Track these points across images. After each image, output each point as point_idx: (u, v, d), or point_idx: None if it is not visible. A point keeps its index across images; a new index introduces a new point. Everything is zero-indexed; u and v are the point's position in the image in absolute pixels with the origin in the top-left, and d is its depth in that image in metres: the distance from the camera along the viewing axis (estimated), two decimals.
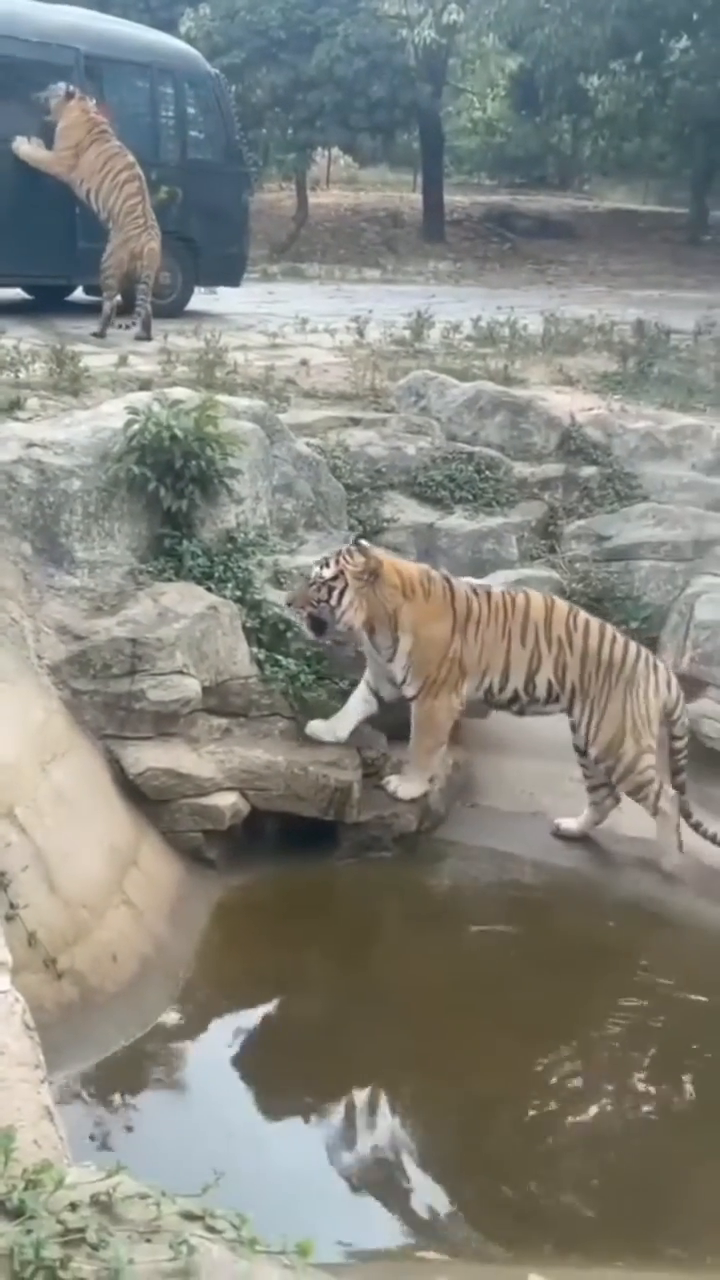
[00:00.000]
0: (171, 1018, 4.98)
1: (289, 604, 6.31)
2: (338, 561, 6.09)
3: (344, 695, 6.38)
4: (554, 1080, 4.82)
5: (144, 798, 5.76)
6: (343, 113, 23.78)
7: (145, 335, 10.61)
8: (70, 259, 11.58)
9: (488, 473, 8.18)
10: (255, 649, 6.37)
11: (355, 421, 8.34)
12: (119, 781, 5.74)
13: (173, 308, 12.24)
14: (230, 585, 6.42)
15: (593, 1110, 4.69)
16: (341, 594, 6.03)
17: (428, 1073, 4.84)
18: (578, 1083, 4.82)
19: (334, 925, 5.75)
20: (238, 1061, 4.87)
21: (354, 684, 6.36)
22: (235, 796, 5.92)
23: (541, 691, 6.29)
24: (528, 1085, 4.77)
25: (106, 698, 5.84)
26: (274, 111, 24.24)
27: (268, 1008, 5.29)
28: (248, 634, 6.37)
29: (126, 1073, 4.61)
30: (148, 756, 5.81)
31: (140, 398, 6.87)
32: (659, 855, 6.29)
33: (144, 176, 10.90)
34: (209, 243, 12.84)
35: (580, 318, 12.57)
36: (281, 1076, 4.77)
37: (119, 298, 10.81)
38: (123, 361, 8.92)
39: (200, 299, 13.37)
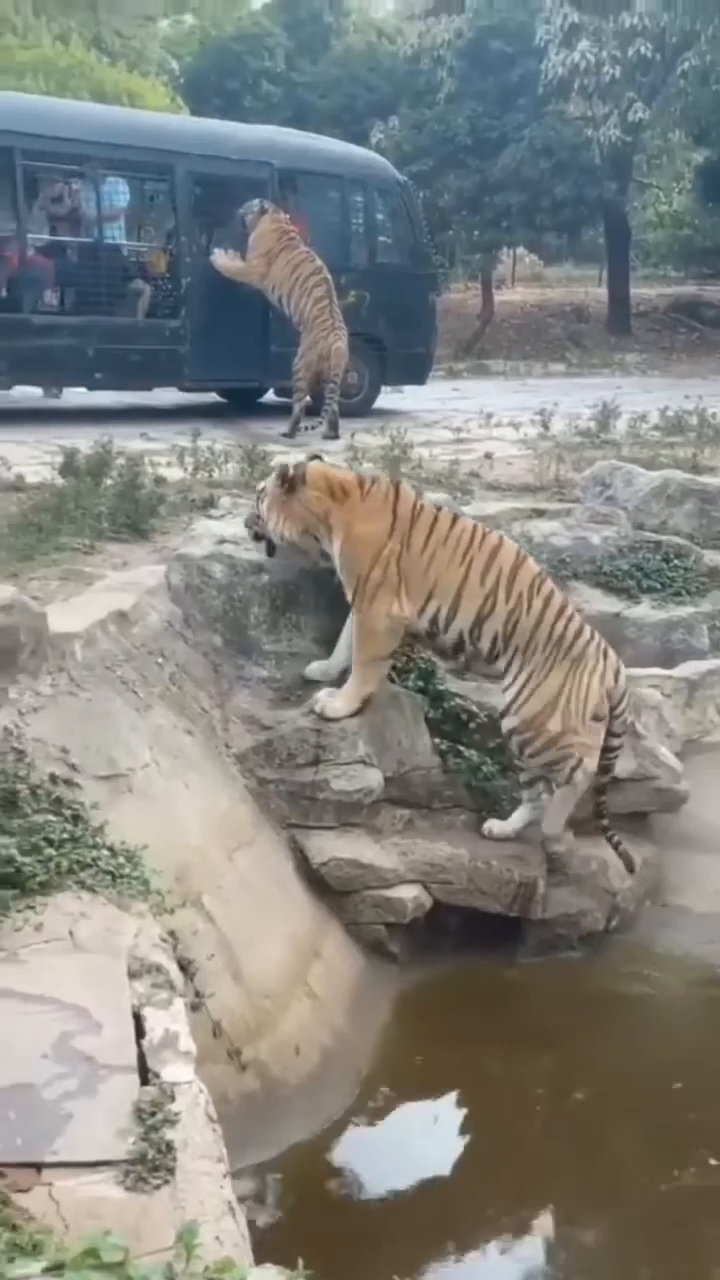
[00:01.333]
0: (353, 1114, 4.91)
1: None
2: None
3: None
4: None
5: (327, 888, 5.76)
6: (529, 213, 24.19)
7: (333, 434, 10.88)
8: (263, 364, 12.06)
9: (676, 561, 8.02)
10: (437, 740, 6.34)
11: (540, 513, 8.31)
12: (302, 871, 5.76)
13: (360, 406, 12.55)
14: (412, 675, 6.42)
15: None
16: (267, 506, 6.00)
17: (613, 1191, 4.63)
18: None
19: (517, 1026, 5.59)
20: (418, 1163, 4.74)
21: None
22: (417, 889, 5.87)
23: (485, 645, 5.91)
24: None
25: (291, 787, 5.89)
26: (461, 214, 24.83)
27: (448, 1108, 5.15)
28: (430, 725, 6.35)
29: (308, 1169, 4.56)
30: (331, 847, 5.82)
31: None
32: (543, 824, 6.08)
33: (332, 281, 11.29)
34: (396, 343, 13.16)
35: None
36: (462, 1182, 4.63)
37: (308, 399, 11.15)
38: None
39: (387, 397, 13.65)
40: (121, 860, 4.30)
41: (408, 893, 5.82)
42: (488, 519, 7.89)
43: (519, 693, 5.95)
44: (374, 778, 5.97)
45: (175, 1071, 3.28)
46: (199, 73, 29.96)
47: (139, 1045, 3.37)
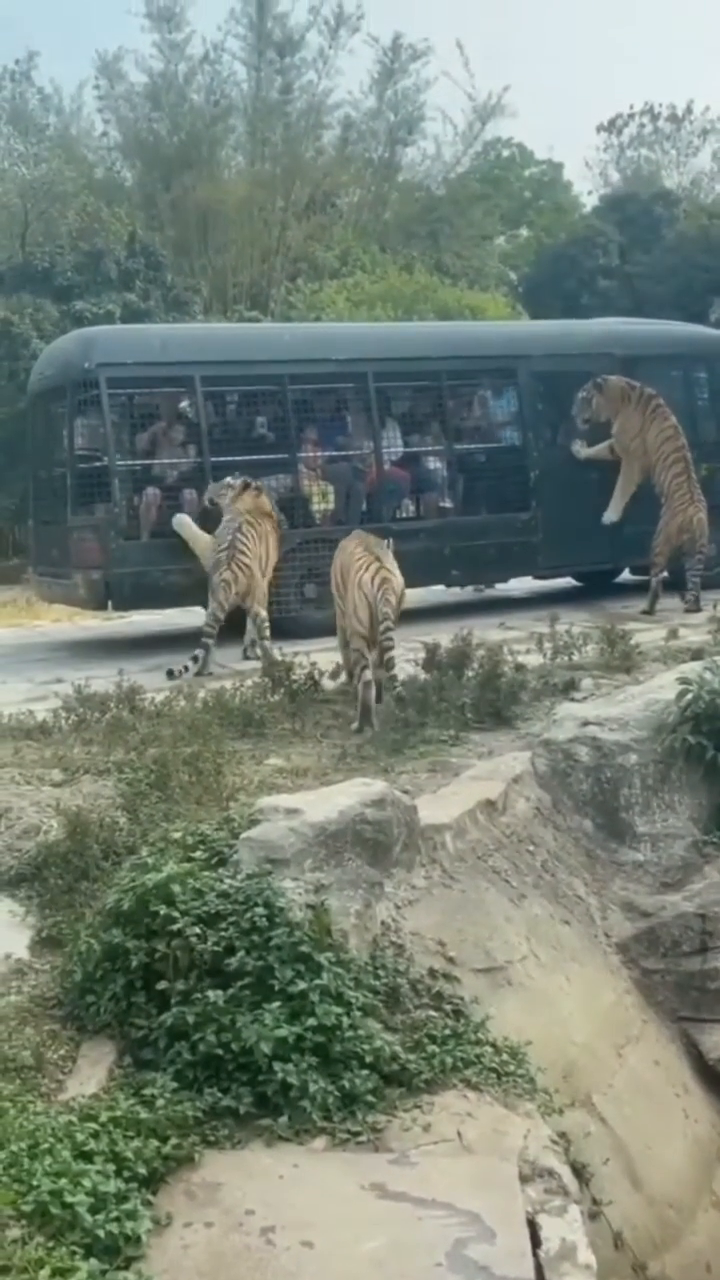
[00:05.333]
0: None
1: None
2: None
3: None
4: None
5: None
6: None
7: (695, 607, 10.69)
8: (615, 545, 12.10)
9: None
10: None
11: None
12: (698, 1068, 5.42)
13: None
14: None
15: None
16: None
17: None
18: None
19: None
20: None
21: None
22: None
23: (345, 603, 7.76)
24: None
25: (678, 977, 5.61)
26: None
27: None
28: None
29: None
30: None
31: (692, 668, 6.85)
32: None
33: (689, 456, 11.31)
34: None
35: None
36: None
37: (666, 574, 11.05)
38: (673, 635, 9.00)
39: None
40: (505, 1057, 4.21)
41: None
42: None
43: None
44: None
45: None
46: (536, 279, 31.29)
47: (535, 1256, 3.22)
